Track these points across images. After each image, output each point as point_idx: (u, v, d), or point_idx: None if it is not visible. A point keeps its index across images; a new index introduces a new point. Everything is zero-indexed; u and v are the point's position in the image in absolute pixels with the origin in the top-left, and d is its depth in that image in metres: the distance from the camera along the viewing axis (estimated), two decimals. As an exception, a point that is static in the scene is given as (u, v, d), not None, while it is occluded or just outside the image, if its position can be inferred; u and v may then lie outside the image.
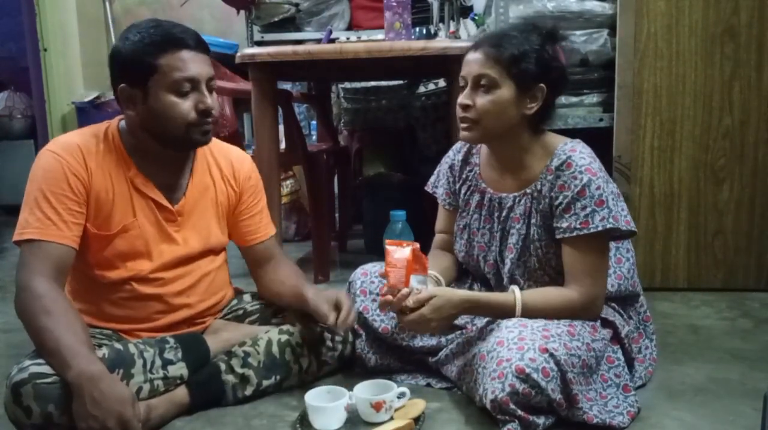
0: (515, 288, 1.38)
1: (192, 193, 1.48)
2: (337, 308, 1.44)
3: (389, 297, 1.34)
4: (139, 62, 1.32)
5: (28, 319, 1.24)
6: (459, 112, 1.41)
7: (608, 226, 1.32)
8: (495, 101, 1.37)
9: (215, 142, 1.58)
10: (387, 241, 1.40)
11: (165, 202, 1.43)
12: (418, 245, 1.38)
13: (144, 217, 1.41)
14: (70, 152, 1.35)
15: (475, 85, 1.39)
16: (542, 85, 1.37)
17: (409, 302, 1.33)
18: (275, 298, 1.60)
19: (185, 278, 1.47)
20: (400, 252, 1.35)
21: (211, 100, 1.37)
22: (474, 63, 1.39)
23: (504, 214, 1.47)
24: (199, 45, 1.37)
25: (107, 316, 1.43)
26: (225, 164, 1.55)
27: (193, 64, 1.34)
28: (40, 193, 1.32)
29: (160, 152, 1.41)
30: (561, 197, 1.36)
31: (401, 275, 1.34)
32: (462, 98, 1.40)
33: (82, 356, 1.17)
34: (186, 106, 1.34)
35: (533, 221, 1.42)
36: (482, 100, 1.37)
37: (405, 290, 1.34)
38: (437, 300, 1.32)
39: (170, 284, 1.45)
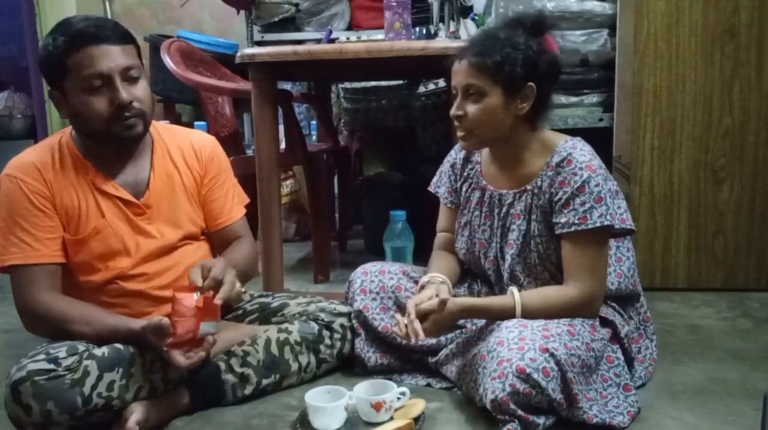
0: (514, 289, 1.38)
1: (156, 184, 1.46)
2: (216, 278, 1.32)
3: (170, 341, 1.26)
4: (52, 65, 1.32)
5: (52, 335, 1.33)
6: (454, 122, 1.42)
7: (606, 222, 1.33)
8: (484, 109, 1.37)
9: (174, 128, 1.59)
10: (175, 287, 1.31)
11: (130, 198, 1.43)
12: (210, 293, 1.27)
13: (113, 216, 1.41)
14: (26, 172, 1.36)
15: (464, 95, 1.40)
16: (531, 84, 1.37)
17: (419, 309, 1.35)
18: None
19: (170, 271, 1.46)
20: (188, 300, 1.25)
21: (126, 92, 1.31)
22: (460, 73, 1.40)
23: (504, 210, 1.47)
24: (112, 37, 1.32)
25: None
26: (186, 147, 1.53)
27: (101, 59, 1.30)
28: (10, 219, 1.35)
29: (111, 150, 1.41)
30: (561, 193, 1.36)
31: (191, 324, 1.24)
32: (453, 109, 1.42)
33: (116, 325, 1.31)
34: (100, 103, 1.32)
35: (533, 217, 1.42)
36: (472, 109, 1.39)
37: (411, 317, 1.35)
38: (437, 315, 1.34)
39: (155, 279, 1.44)
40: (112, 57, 1.31)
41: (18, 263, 1.33)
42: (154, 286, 1.44)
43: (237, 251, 1.55)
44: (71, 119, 1.37)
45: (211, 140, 1.60)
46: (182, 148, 1.53)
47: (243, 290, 1.43)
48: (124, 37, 1.35)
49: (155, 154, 1.48)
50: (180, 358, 1.25)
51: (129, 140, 1.39)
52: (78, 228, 1.39)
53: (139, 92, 1.35)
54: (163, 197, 1.47)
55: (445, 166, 1.65)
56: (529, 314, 1.34)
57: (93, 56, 1.30)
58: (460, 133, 1.43)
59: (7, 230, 1.35)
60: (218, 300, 1.27)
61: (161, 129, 1.54)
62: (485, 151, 1.55)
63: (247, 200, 1.66)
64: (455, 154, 1.62)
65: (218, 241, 1.59)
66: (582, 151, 1.38)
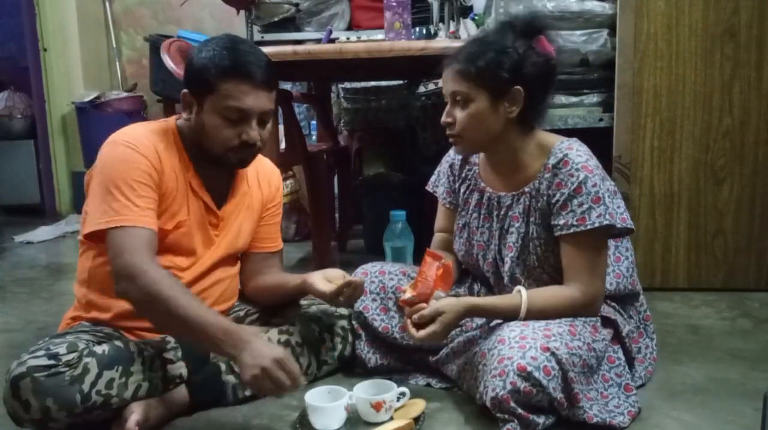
0: (522, 289, 1.38)
1: (233, 198, 1.51)
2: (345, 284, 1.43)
3: (408, 298, 1.38)
4: (202, 78, 1.35)
5: (153, 304, 1.25)
6: (446, 129, 1.43)
7: (605, 222, 1.33)
8: (471, 115, 1.38)
9: None
10: (428, 250, 1.44)
11: (213, 206, 1.47)
12: (451, 264, 1.41)
13: (194, 217, 1.44)
14: (145, 146, 1.36)
15: (452, 101, 1.41)
16: (517, 87, 1.36)
17: (415, 317, 1.35)
18: (265, 292, 1.60)
19: (202, 281, 1.48)
20: (433, 266, 1.39)
21: (256, 132, 1.37)
22: (446, 81, 1.42)
23: (503, 212, 1.47)
24: (265, 80, 1.36)
25: (118, 310, 1.41)
26: (261, 171, 1.59)
27: (249, 97, 1.34)
28: (122, 181, 1.31)
29: (214, 162, 1.44)
30: (558, 195, 1.36)
31: (428, 287, 1.37)
32: (444, 116, 1.43)
33: (231, 330, 1.24)
34: (229, 133, 1.36)
35: (532, 219, 1.42)
36: (460, 115, 1.40)
37: (421, 305, 1.36)
38: (446, 316, 1.33)
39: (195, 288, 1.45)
40: (259, 101, 1.36)
41: (126, 224, 1.27)
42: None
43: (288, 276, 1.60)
44: (194, 128, 1.40)
45: (278, 171, 1.67)
46: (258, 170, 1.58)
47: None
48: (275, 83, 1.41)
49: (240, 171, 1.52)
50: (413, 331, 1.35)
51: (231, 168, 1.46)
52: (166, 219, 1.39)
53: (265, 135, 1.41)
54: (234, 214, 1.52)
55: (443, 166, 1.65)
56: (533, 314, 1.34)
57: (244, 92, 1.34)
58: (452, 140, 1.45)
59: (118, 193, 1.29)
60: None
61: None
62: (482, 153, 1.55)
63: (282, 246, 1.69)
64: (453, 155, 1.62)
65: (252, 261, 1.61)
66: (578, 152, 1.37)
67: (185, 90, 1.39)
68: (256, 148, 1.41)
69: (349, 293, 1.43)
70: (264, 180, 1.60)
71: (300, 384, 1.23)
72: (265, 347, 1.23)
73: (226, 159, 1.40)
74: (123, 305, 1.40)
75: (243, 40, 1.42)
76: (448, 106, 1.42)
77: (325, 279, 1.46)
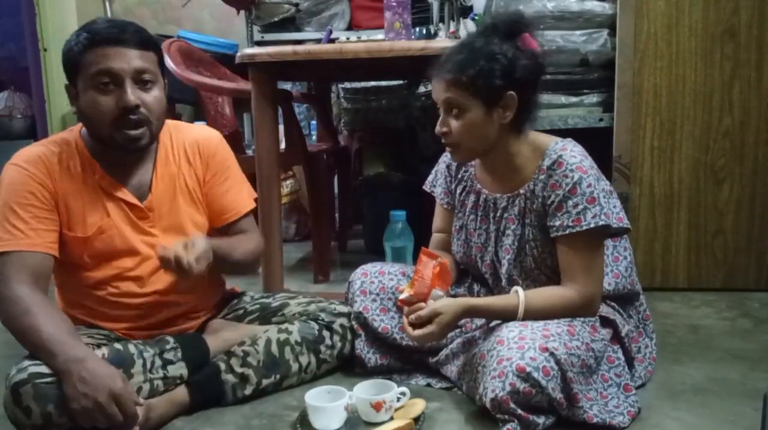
0: (519, 289, 1.38)
1: (158, 187, 1.46)
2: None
3: (405, 298, 1.39)
4: (69, 60, 1.34)
5: (11, 323, 1.26)
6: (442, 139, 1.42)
7: (600, 223, 1.33)
8: (467, 124, 1.37)
9: (178, 124, 1.56)
10: (423, 249, 1.43)
11: (134, 201, 1.42)
12: (447, 262, 1.41)
13: (118, 217, 1.41)
14: (33, 164, 1.36)
15: (446, 110, 1.40)
16: (510, 92, 1.35)
17: (412, 318, 1.35)
18: None
19: (164, 276, 1.44)
20: (429, 265, 1.39)
21: (134, 95, 1.30)
22: (438, 89, 1.40)
23: (499, 214, 1.47)
24: (130, 41, 1.31)
25: (102, 316, 1.43)
26: (189, 144, 1.51)
27: (114, 58, 1.30)
28: (6, 206, 1.32)
29: (117, 153, 1.40)
30: (553, 196, 1.36)
31: (425, 286, 1.37)
32: (438, 126, 1.41)
33: (66, 343, 1.20)
34: (106, 102, 1.31)
35: (528, 221, 1.42)
36: (455, 124, 1.38)
37: (419, 305, 1.36)
38: (443, 317, 1.33)
39: (154, 283, 1.43)
40: (126, 58, 1.31)
41: (6, 249, 1.29)
42: (150, 290, 1.43)
43: (237, 239, 1.52)
44: (80, 117, 1.37)
45: (215, 135, 1.58)
46: (186, 146, 1.51)
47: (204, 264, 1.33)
48: (144, 42, 1.34)
49: (159, 156, 1.47)
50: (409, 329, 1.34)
51: (127, 150, 1.38)
52: (83, 226, 1.38)
53: (149, 99, 1.34)
54: (165, 201, 1.46)
55: (440, 166, 1.64)
56: (531, 314, 1.34)
57: (107, 55, 1.30)
58: (448, 149, 1.44)
59: (2, 218, 1.32)
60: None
61: (171, 127, 1.52)
62: None
63: (255, 195, 1.62)
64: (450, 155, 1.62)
65: (222, 236, 1.55)
66: (572, 153, 1.37)
67: (66, 83, 1.37)
68: (142, 116, 1.33)
69: (164, 264, 1.29)
70: (193, 152, 1.51)
71: (137, 423, 1.18)
72: (103, 369, 1.17)
73: (113, 140, 1.33)
74: (107, 312, 1.42)
75: (101, 19, 1.38)
76: (442, 116, 1.41)
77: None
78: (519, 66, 1.35)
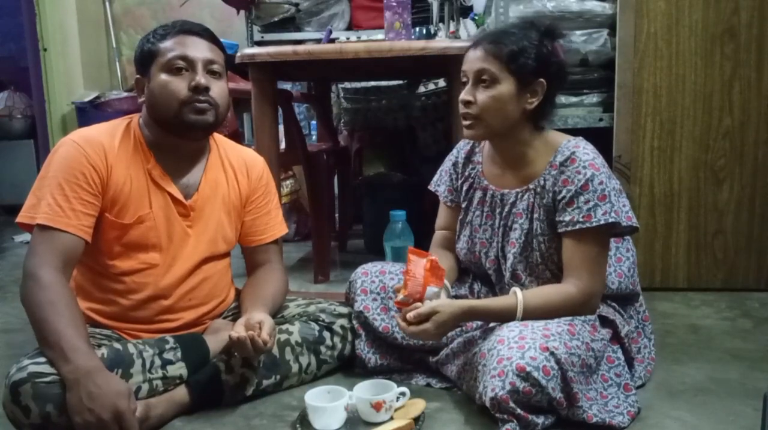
0: (517, 290, 1.38)
1: (204, 188, 1.49)
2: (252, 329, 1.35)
3: (401, 299, 1.38)
4: (145, 51, 1.41)
5: (33, 308, 1.25)
6: (461, 109, 1.42)
7: (610, 220, 1.33)
8: (495, 97, 1.37)
9: (223, 139, 1.60)
10: (410, 248, 1.42)
11: (180, 197, 1.45)
12: (437, 258, 1.41)
13: (159, 209, 1.43)
14: (92, 146, 1.37)
15: (476, 82, 1.40)
16: (542, 80, 1.38)
17: (411, 316, 1.34)
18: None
19: (188, 280, 1.47)
20: (420, 263, 1.38)
21: (206, 79, 1.38)
22: (474, 59, 1.40)
23: (506, 209, 1.47)
24: (203, 34, 1.42)
25: (109, 314, 1.43)
26: (238, 163, 1.57)
27: (190, 45, 1.39)
28: (55, 180, 1.33)
29: (175, 145, 1.43)
30: (564, 191, 1.36)
31: (418, 284, 1.36)
32: (464, 95, 1.41)
33: (81, 352, 1.19)
34: (178, 83, 1.38)
35: (536, 215, 1.42)
36: (483, 95, 1.38)
37: (416, 305, 1.36)
38: (440, 316, 1.33)
39: (174, 287, 1.45)
40: (200, 48, 1.40)
41: (45, 223, 1.30)
42: (167, 293, 1.44)
43: (268, 286, 1.55)
44: (147, 103, 1.42)
45: (261, 161, 1.64)
46: (234, 162, 1.56)
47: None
48: (215, 39, 1.45)
49: (210, 161, 1.51)
50: (403, 324, 1.35)
51: (197, 129, 1.41)
52: (124, 212, 1.39)
53: (217, 87, 1.41)
54: (208, 204, 1.49)
55: (446, 165, 1.65)
56: (530, 314, 1.34)
57: (184, 42, 1.39)
58: (466, 122, 1.42)
59: (47, 191, 1.32)
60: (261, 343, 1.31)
61: (220, 140, 1.57)
62: (487, 150, 1.55)
63: (286, 231, 1.67)
64: (457, 153, 1.62)
65: (249, 257, 1.63)
66: (585, 150, 1.38)
67: (136, 76, 1.44)
68: (212, 102, 1.39)
69: (240, 349, 1.34)
70: (241, 171, 1.56)
71: None
72: (111, 386, 1.16)
73: (181, 119, 1.37)
74: (115, 309, 1.42)
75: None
76: (468, 86, 1.41)
77: (243, 326, 1.35)
78: (553, 61, 1.39)
